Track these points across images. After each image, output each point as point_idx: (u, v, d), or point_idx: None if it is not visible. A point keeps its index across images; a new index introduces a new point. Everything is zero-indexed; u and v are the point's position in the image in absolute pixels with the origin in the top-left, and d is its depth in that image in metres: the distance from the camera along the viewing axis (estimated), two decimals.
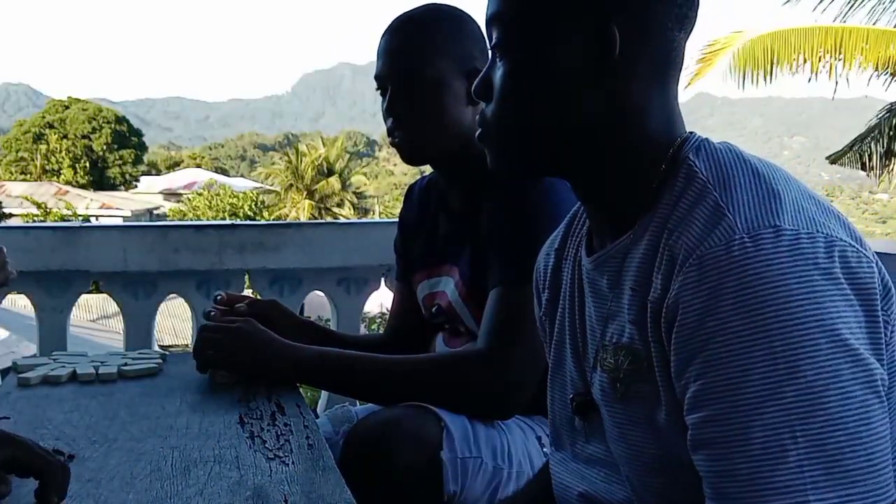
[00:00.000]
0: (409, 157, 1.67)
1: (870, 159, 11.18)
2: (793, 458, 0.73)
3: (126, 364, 1.61)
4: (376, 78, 1.66)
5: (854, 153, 11.41)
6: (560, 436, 1.07)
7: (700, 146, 0.91)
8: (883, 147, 11.10)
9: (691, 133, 0.94)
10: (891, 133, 11.00)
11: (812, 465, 0.73)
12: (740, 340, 0.76)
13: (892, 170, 11.25)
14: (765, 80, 10.12)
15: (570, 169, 0.96)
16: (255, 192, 33.17)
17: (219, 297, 1.74)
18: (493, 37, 0.95)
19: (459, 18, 1.66)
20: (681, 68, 0.94)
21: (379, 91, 1.67)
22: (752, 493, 0.75)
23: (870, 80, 10.19)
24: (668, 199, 0.88)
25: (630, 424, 0.91)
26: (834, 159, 11.91)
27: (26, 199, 24.12)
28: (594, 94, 0.90)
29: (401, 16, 1.67)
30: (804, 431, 0.73)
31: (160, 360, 1.66)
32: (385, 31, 1.66)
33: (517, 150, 0.96)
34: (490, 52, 0.98)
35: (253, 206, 29.94)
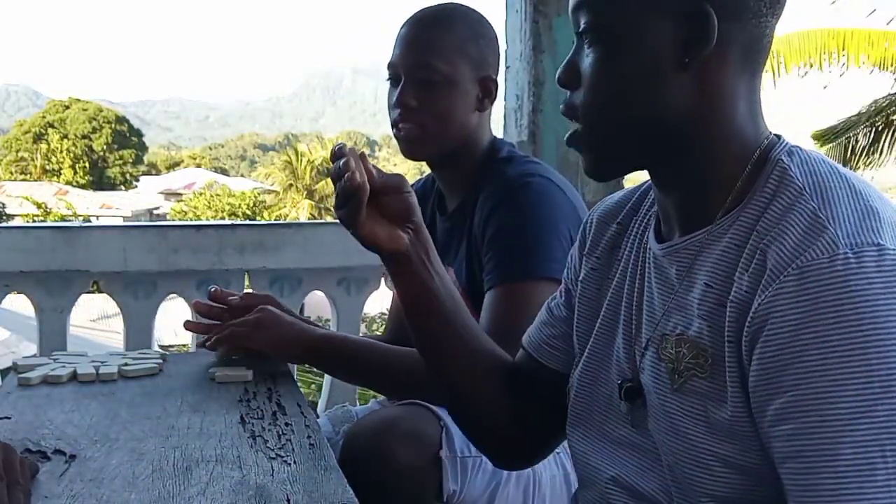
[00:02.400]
0: (410, 151, 1.67)
1: (853, 151, 11.19)
2: (881, 476, 0.73)
3: (126, 364, 1.61)
4: (391, 65, 1.66)
5: (838, 144, 11.40)
6: (587, 412, 1.05)
7: (793, 150, 0.90)
8: (868, 139, 11.12)
9: (779, 135, 0.93)
10: (875, 125, 11.02)
11: None
12: (836, 355, 0.76)
13: (871, 162, 11.25)
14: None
15: (656, 160, 0.95)
16: (254, 191, 33.15)
17: (212, 291, 1.73)
18: (581, 23, 0.93)
19: (479, 23, 1.66)
20: (767, 57, 0.93)
21: (390, 80, 1.67)
22: None
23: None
24: (759, 199, 0.87)
25: (683, 417, 0.90)
26: (822, 141, 11.82)
27: (26, 199, 24.11)
28: (687, 81, 0.89)
29: (425, 9, 1.68)
30: (893, 451, 0.73)
31: (160, 360, 1.67)
32: (407, 21, 1.66)
33: (613, 144, 0.94)
34: (576, 38, 0.96)
35: (253, 206, 29.93)
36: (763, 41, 0.91)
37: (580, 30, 0.94)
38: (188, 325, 1.81)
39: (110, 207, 29.16)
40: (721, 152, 0.91)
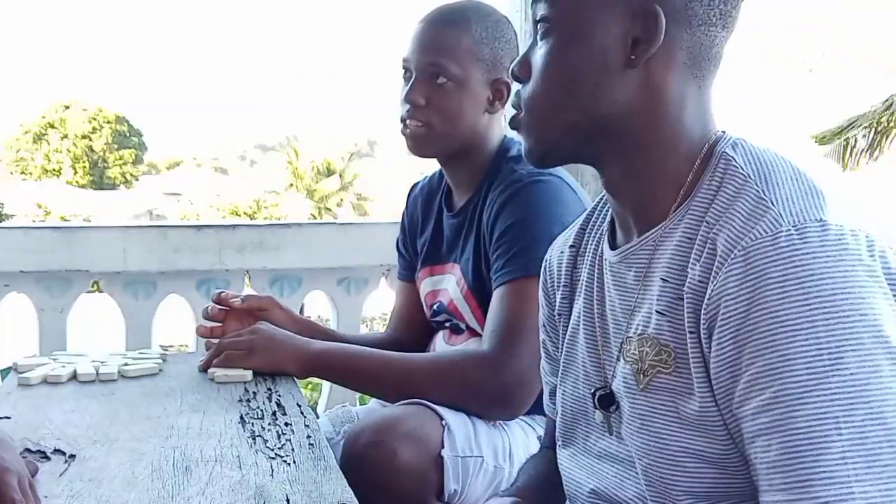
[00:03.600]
0: (415, 148, 1.67)
1: (851, 152, 11.14)
2: (836, 448, 0.74)
3: (126, 364, 1.61)
4: (404, 61, 1.65)
5: (838, 145, 11.36)
6: (572, 431, 1.06)
7: (736, 143, 0.92)
8: (868, 140, 11.07)
9: (723, 131, 0.94)
10: (882, 125, 10.97)
11: (854, 457, 0.73)
12: (784, 330, 0.77)
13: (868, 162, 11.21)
14: None
15: (603, 157, 0.95)
16: (255, 192, 33.15)
17: (219, 294, 1.73)
18: (538, 14, 0.95)
19: (497, 22, 1.66)
20: (718, 66, 0.94)
21: (403, 75, 1.67)
22: (797, 484, 0.75)
23: None
24: (706, 191, 0.89)
25: (652, 415, 0.90)
26: (822, 141, 11.78)
27: (39, 206, 24.10)
28: (633, 78, 0.90)
29: (441, 8, 1.66)
30: (847, 423, 0.74)
31: (160, 360, 1.66)
32: (423, 19, 1.65)
33: (551, 130, 0.95)
34: (532, 31, 0.97)
35: (253, 206, 29.93)
36: (712, 50, 0.92)
37: (536, 20, 0.95)
38: (201, 331, 1.78)
39: (110, 208, 29.14)
40: (668, 151, 0.92)
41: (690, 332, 0.86)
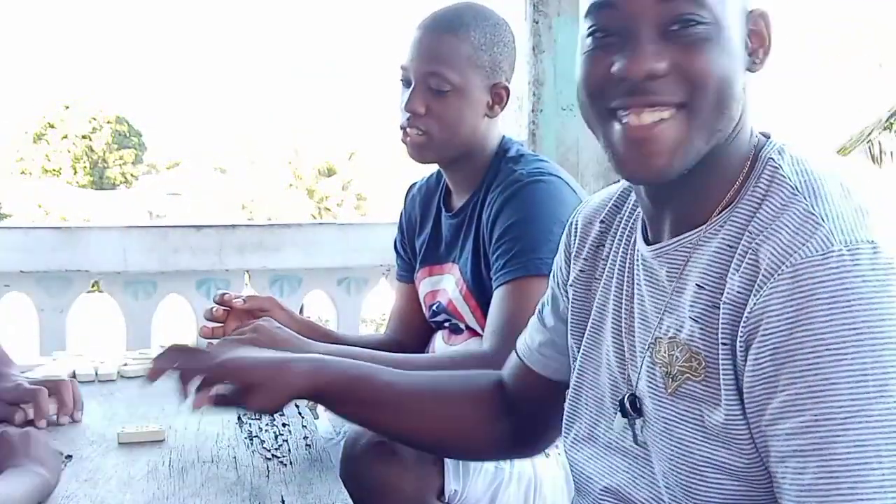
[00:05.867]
0: (417, 156, 1.67)
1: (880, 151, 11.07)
2: (875, 477, 0.73)
3: (126, 364, 1.61)
4: (403, 68, 1.65)
5: (863, 144, 11.28)
6: (587, 426, 1.03)
7: (783, 149, 0.90)
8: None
9: (768, 134, 0.93)
10: None
11: (892, 486, 0.72)
12: (830, 353, 0.75)
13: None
14: None
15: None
16: (254, 191, 33.16)
17: (224, 296, 1.71)
18: (682, 9, 0.86)
19: (495, 26, 1.64)
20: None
21: (402, 81, 1.66)
22: None
23: None
24: (750, 199, 0.87)
25: (678, 422, 0.89)
26: (841, 151, 11.76)
27: (27, 199, 24.10)
28: (747, 80, 0.89)
29: (439, 13, 1.65)
30: (889, 452, 0.73)
31: None
32: (421, 25, 1.64)
33: (702, 135, 0.88)
34: (657, 29, 0.87)
35: (253, 206, 29.93)
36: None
37: (679, 17, 0.85)
38: (204, 332, 1.77)
39: (110, 208, 29.15)
40: (732, 151, 0.90)
41: (723, 344, 0.84)
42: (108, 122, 42.56)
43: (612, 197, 1.08)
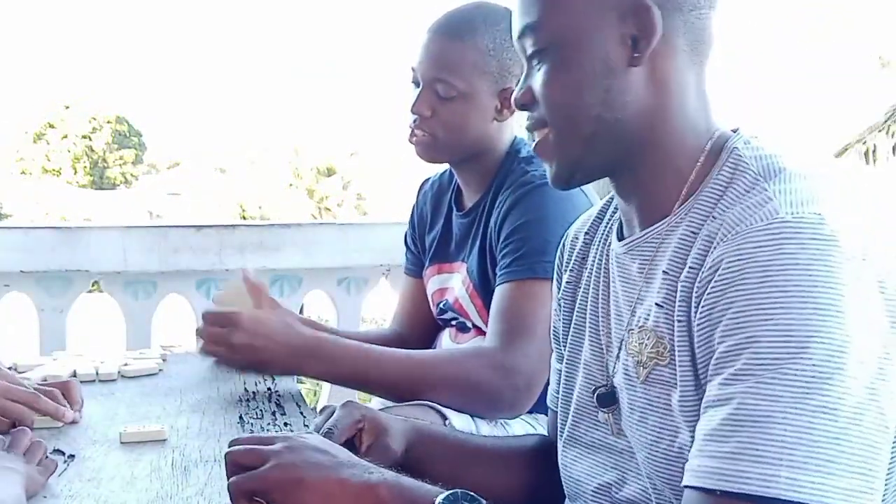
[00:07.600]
0: (423, 157, 1.67)
1: (874, 153, 11.09)
2: (777, 431, 0.73)
3: (126, 364, 1.61)
4: (413, 69, 1.65)
5: (859, 144, 11.30)
6: (574, 427, 1.04)
7: (749, 140, 0.91)
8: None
9: (736, 127, 0.94)
10: None
11: (794, 444, 0.72)
12: (758, 312, 0.76)
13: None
14: None
15: (622, 163, 0.94)
16: (254, 191, 33.16)
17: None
18: (528, 48, 0.94)
19: (506, 31, 1.62)
20: (711, 48, 0.94)
21: (413, 81, 1.66)
22: (727, 455, 0.74)
23: None
24: (714, 186, 0.88)
25: (650, 409, 0.90)
26: (840, 153, 11.78)
27: (27, 199, 24.10)
28: (639, 76, 0.90)
29: (448, 15, 1.64)
30: (797, 410, 0.73)
31: (160, 360, 1.67)
32: (431, 28, 1.64)
33: (571, 147, 0.94)
34: (526, 63, 0.96)
35: (253, 206, 29.94)
36: (705, 32, 0.92)
37: (529, 55, 0.95)
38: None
39: (110, 208, 29.14)
40: (676, 144, 0.92)
41: (679, 321, 0.85)
42: (108, 122, 42.55)
43: (597, 209, 1.10)
